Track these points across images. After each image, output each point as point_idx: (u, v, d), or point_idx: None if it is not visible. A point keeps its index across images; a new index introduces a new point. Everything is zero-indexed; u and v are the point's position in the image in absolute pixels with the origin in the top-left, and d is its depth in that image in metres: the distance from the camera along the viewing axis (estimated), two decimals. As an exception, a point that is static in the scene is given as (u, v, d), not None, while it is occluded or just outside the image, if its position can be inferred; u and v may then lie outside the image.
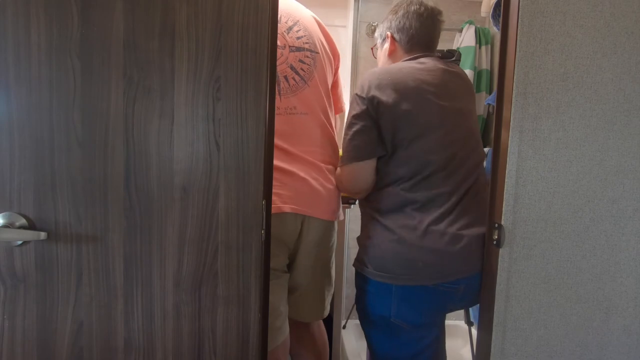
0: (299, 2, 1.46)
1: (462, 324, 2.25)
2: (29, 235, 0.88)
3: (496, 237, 1.08)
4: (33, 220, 0.90)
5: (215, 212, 0.94)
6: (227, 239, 0.95)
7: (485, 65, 2.42)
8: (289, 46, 1.35)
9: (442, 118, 1.27)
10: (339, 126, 1.58)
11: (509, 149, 1.04)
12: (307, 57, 1.37)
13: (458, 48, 2.40)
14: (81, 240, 0.92)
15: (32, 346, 0.93)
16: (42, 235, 0.88)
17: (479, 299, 1.24)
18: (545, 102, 1.04)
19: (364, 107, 1.26)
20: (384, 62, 1.44)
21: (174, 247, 0.94)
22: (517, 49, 1.02)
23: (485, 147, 1.44)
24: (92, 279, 0.93)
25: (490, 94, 2.41)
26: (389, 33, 1.40)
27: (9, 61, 0.86)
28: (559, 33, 1.03)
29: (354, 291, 1.41)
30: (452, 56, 1.43)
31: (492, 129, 1.12)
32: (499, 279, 1.08)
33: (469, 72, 2.36)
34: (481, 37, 2.40)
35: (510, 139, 1.04)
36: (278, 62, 1.31)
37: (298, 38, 1.37)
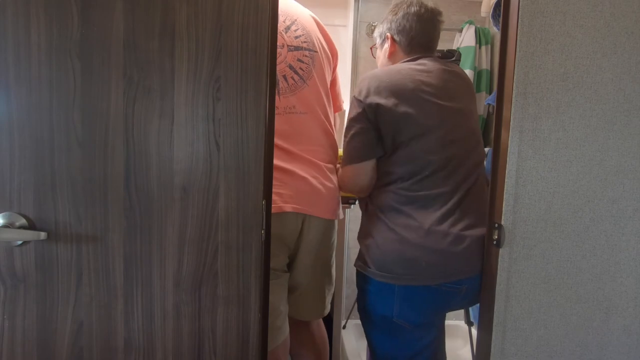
0: (298, 1, 1.46)
1: (462, 324, 2.25)
2: (29, 235, 0.88)
3: (496, 237, 1.08)
4: (33, 220, 0.90)
5: (215, 212, 0.94)
6: (227, 239, 0.95)
7: (485, 65, 2.42)
8: (287, 45, 1.35)
9: (442, 118, 1.27)
10: (338, 124, 1.58)
11: (509, 149, 1.04)
12: (306, 56, 1.37)
13: (458, 48, 2.40)
14: (81, 240, 0.92)
15: (32, 346, 0.93)
16: (42, 235, 0.88)
17: (480, 298, 1.24)
18: (545, 102, 1.04)
19: (361, 110, 1.28)
20: (384, 63, 1.44)
21: (174, 247, 0.94)
22: (517, 49, 1.02)
23: (485, 147, 1.44)
24: (92, 279, 0.93)
25: (490, 94, 2.41)
26: (389, 34, 1.40)
27: (9, 61, 0.86)
28: (559, 33, 1.03)
29: (354, 291, 1.41)
30: (452, 56, 1.43)
31: (492, 129, 1.12)
32: (499, 279, 1.08)
33: (469, 72, 2.36)
34: (481, 37, 2.40)
35: (510, 139, 1.04)
36: (277, 62, 1.31)
37: (296, 37, 1.37)
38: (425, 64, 1.34)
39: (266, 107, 0.94)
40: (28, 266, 0.91)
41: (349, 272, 2.16)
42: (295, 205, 1.30)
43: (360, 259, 1.34)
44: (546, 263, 1.08)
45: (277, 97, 1.31)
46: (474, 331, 1.84)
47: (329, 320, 1.75)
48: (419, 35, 1.37)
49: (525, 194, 1.06)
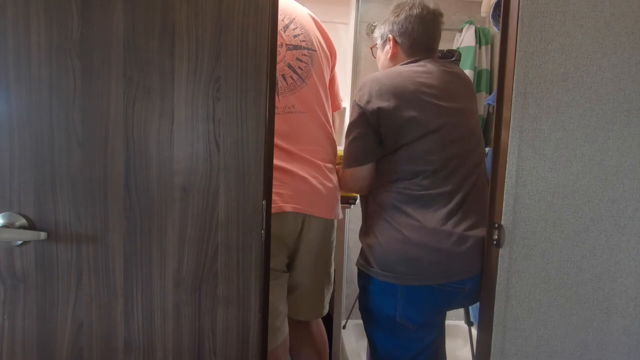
0: None
1: (462, 324, 2.25)
2: (29, 235, 0.88)
3: (496, 237, 1.08)
4: (33, 220, 0.90)
5: (215, 212, 0.94)
6: (227, 239, 0.95)
7: (485, 65, 2.42)
8: (286, 44, 1.35)
9: (443, 119, 1.28)
10: (337, 123, 1.58)
11: (509, 149, 1.04)
12: (305, 55, 1.37)
13: (458, 48, 2.40)
14: (81, 240, 0.92)
15: (32, 346, 0.93)
16: (42, 235, 0.88)
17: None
18: (545, 102, 1.04)
19: (362, 115, 1.30)
20: (385, 64, 1.45)
21: (174, 247, 0.94)
22: (517, 49, 1.02)
23: (485, 147, 1.44)
24: (92, 279, 0.93)
25: (490, 94, 2.41)
26: (390, 36, 1.40)
27: (9, 61, 0.86)
28: (559, 33, 1.03)
29: (354, 291, 1.41)
30: (452, 56, 1.43)
31: (492, 129, 1.12)
32: (499, 279, 1.08)
33: (469, 72, 2.36)
34: (481, 37, 2.40)
35: (510, 139, 1.04)
36: (276, 61, 1.31)
37: (295, 36, 1.37)
38: (426, 65, 1.34)
39: (266, 107, 0.94)
40: (28, 266, 0.91)
41: (349, 272, 2.16)
42: (295, 205, 1.30)
43: (363, 257, 1.34)
44: (546, 263, 1.08)
45: (276, 96, 1.31)
46: (474, 331, 1.84)
47: (329, 320, 1.75)
48: (421, 37, 1.37)
49: (525, 194, 1.06)
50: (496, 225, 1.08)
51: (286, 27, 1.36)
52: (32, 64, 0.87)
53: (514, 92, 1.03)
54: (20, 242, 0.90)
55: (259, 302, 0.98)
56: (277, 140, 1.29)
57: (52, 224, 0.90)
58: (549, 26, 1.02)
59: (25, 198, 0.89)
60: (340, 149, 1.46)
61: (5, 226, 0.88)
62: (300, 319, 1.50)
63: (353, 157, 1.33)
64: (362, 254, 1.35)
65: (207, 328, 0.97)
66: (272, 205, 1.13)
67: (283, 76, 1.33)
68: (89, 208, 0.91)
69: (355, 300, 1.80)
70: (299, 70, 1.36)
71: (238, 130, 0.93)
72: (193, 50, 0.90)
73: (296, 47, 1.36)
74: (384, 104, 1.26)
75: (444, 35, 1.48)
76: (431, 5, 1.37)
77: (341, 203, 1.49)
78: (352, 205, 1.68)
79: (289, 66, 1.34)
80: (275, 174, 1.25)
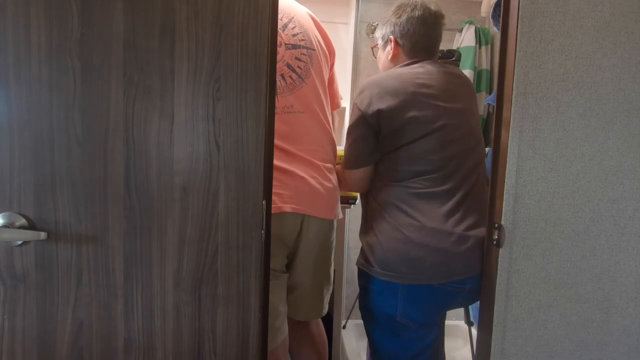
0: None
1: (462, 324, 2.25)
2: (29, 235, 0.88)
3: (496, 237, 1.08)
4: (33, 220, 0.90)
5: (215, 212, 0.94)
6: (227, 239, 0.95)
7: (485, 65, 2.42)
8: (285, 44, 1.34)
9: (443, 119, 1.28)
10: (337, 123, 1.58)
11: (509, 149, 1.04)
12: (304, 54, 1.37)
13: (458, 48, 2.40)
14: (81, 240, 0.92)
15: (32, 346, 0.93)
16: (42, 235, 0.88)
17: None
18: (545, 102, 1.04)
19: (362, 119, 1.31)
20: (386, 65, 1.45)
21: (174, 247, 0.94)
22: (517, 49, 1.02)
23: (485, 147, 1.44)
24: (92, 279, 0.93)
25: (490, 94, 2.41)
26: (392, 37, 1.40)
27: (9, 61, 0.86)
28: (559, 33, 1.03)
29: (354, 291, 1.41)
30: (452, 56, 1.43)
31: (492, 129, 1.12)
32: (498, 279, 1.08)
33: (469, 72, 2.36)
34: (481, 37, 2.40)
35: (510, 139, 1.04)
36: (275, 61, 1.31)
37: (294, 35, 1.36)
38: (425, 66, 1.35)
39: (266, 107, 0.94)
40: (28, 266, 0.91)
41: (349, 272, 2.16)
42: (294, 206, 1.30)
43: (363, 257, 1.34)
44: (546, 263, 1.08)
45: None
46: (474, 331, 1.84)
47: (329, 320, 1.75)
48: (422, 39, 1.38)
49: (525, 194, 1.06)
50: (496, 225, 1.08)
51: (285, 26, 1.36)
52: (32, 64, 0.87)
53: (514, 92, 1.03)
54: (20, 242, 0.90)
55: (259, 302, 0.98)
56: (276, 141, 1.29)
57: (52, 224, 0.90)
58: (549, 26, 1.02)
59: (25, 198, 0.89)
60: (340, 148, 1.46)
61: (5, 226, 0.88)
62: (299, 319, 1.50)
63: (352, 159, 1.36)
64: (363, 253, 1.35)
65: (207, 328, 0.97)
66: (272, 205, 1.12)
67: (282, 76, 1.33)
68: (89, 208, 0.91)
69: (355, 300, 1.80)
70: (298, 70, 1.35)
71: (238, 130, 0.93)
72: (193, 50, 0.90)
73: (295, 46, 1.36)
74: (384, 105, 1.27)
75: (444, 35, 1.48)
76: (432, 7, 1.38)
77: (341, 203, 1.49)
78: (352, 205, 1.67)
79: (288, 66, 1.34)
80: (274, 174, 1.25)
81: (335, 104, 1.55)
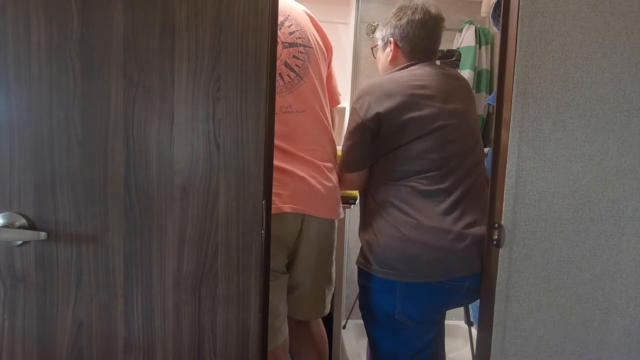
0: None
1: (462, 324, 2.25)
2: (29, 235, 0.88)
3: (496, 237, 1.08)
4: (33, 220, 0.90)
5: (215, 212, 0.94)
6: (227, 239, 0.95)
7: (485, 65, 2.42)
8: (282, 42, 1.34)
9: (441, 120, 1.29)
10: (337, 121, 1.58)
11: (509, 149, 1.04)
12: (301, 52, 1.36)
13: (458, 48, 2.40)
14: (81, 240, 0.92)
15: (32, 346, 0.93)
16: (42, 235, 0.88)
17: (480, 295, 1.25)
18: (545, 102, 1.04)
19: (361, 124, 1.33)
20: (386, 66, 1.46)
21: (174, 247, 0.94)
22: (517, 49, 1.02)
23: (485, 147, 1.45)
24: (92, 279, 0.93)
25: (490, 94, 2.41)
26: (392, 39, 1.41)
27: (9, 61, 0.86)
28: (559, 33, 1.03)
29: (354, 291, 1.41)
30: (452, 56, 1.44)
31: (492, 129, 1.12)
32: (499, 279, 1.08)
33: (469, 72, 2.36)
34: (481, 37, 2.40)
35: (510, 139, 1.04)
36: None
37: (290, 33, 1.36)
38: (423, 68, 1.36)
39: (266, 107, 0.94)
40: (28, 266, 0.91)
41: (349, 272, 2.16)
42: (294, 206, 1.30)
43: (362, 256, 1.35)
44: (546, 263, 1.08)
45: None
46: (474, 331, 1.84)
47: (329, 320, 1.75)
48: (422, 42, 1.39)
49: (525, 194, 1.06)
50: (496, 225, 1.08)
51: (281, 24, 1.35)
52: (32, 64, 0.87)
53: (514, 92, 1.03)
54: (20, 242, 0.90)
55: (259, 302, 0.98)
56: (275, 141, 1.28)
57: (52, 224, 0.90)
58: (549, 26, 1.02)
59: (25, 198, 0.89)
60: (340, 148, 1.46)
61: (5, 226, 0.88)
62: (300, 318, 1.50)
63: (350, 163, 1.38)
64: (361, 251, 1.36)
65: (207, 328, 0.97)
66: (272, 205, 1.12)
67: (280, 75, 1.33)
68: (89, 208, 0.91)
69: (355, 300, 1.80)
70: (296, 68, 1.35)
71: (238, 130, 0.93)
72: (193, 50, 0.90)
73: (292, 45, 1.35)
74: (382, 108, 1.29)
75: (444, 35, 1.49)
76: (433, 10, 1.38)
77: (342, 203, 1.48)
78: (352, 205, 1.67)
79: (286, 64, 1.34)
80: (274, 175, 1.25)
81: (334, 100, 1.54)
